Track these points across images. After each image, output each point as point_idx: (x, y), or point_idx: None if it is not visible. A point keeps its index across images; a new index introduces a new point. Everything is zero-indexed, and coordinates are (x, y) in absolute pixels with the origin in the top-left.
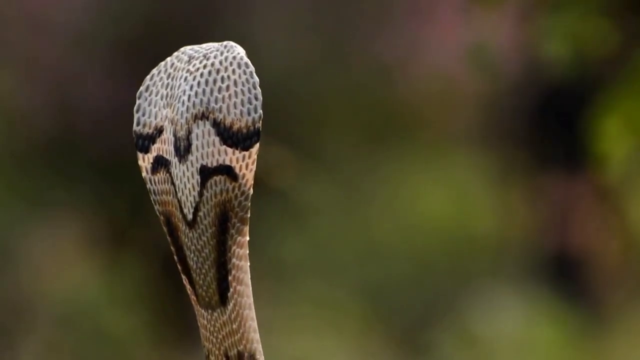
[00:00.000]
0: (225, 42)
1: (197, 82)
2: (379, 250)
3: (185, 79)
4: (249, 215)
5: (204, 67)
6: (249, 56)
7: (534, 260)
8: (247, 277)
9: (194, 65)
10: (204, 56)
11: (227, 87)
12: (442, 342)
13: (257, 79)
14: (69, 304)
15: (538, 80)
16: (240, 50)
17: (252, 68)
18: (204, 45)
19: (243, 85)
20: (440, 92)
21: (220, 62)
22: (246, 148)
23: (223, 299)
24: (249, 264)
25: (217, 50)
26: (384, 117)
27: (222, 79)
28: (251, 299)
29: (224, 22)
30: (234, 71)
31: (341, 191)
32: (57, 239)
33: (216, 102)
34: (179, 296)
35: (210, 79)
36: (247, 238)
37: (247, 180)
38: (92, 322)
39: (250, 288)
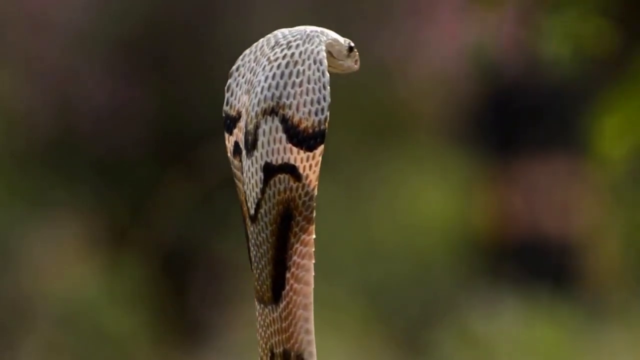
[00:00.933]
0: (312, 29)
1: (273, 73)
2: (379, 250)
3: (264, 67)
4: (314, 215)
5: (283, 57)
6: None
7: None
8: (309, 277)
9: (275, 54)
10: (287, 44)
11: (301, 83)
12: (442, 342)
13: (327, 77)
14: (69, 304)
15: (538, 80)
16: (322, 42)
17: (325, 65)
18: (297, 29)
19: (315, 83)
20: (440, 92)
21: (300, 54)
22: (311, 148)
23: (276, 296)
24: (312, 262)
25: (300, 39)
26: (384, 117)
27: (297, 73)
28: (309, 300)
29: (224, 22)
30: (309, 66)
31: (341, 191)
32: (57, 239)
33: (287, 97)
34: (179, 296)
35: (287, 72)
36: (313, 236)
37: (310, 181)
38: (92, 322)
39: (311, 288)
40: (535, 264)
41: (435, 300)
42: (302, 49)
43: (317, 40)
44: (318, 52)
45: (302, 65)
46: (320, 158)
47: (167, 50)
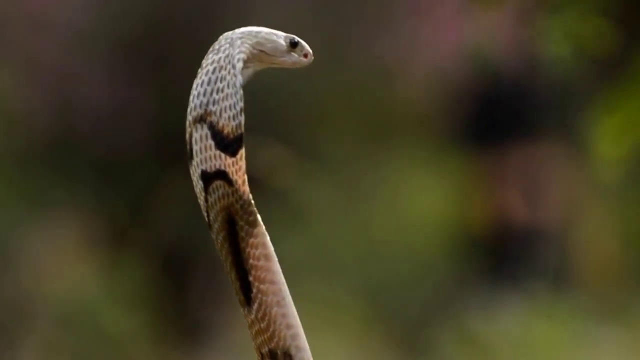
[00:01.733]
0: (241, 31)
1: (202, 80)
2: (379, 250)
3: (199, 74)
4: (257, 218)
5: (212, 63)
6: None
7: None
8: (273, 275)
9: (206, 60)
10: (217, 49)
11: (223, 88)
12: (442, 342)
13: (240, 80)
14: (69, 304)
15: (538, 79)
16: (243, 43)
17: (238, 68)
18: (236, 31)
19: (232, 87)
20: (440, 92)
21: (223, 59)
22: (234, 153)
23: (247, 299)
24: (273, 262)
25: (227, 43)
26: (383, 117)
27: (221, 78)
28: (281, 296)
29: (224, 22)
30: (229, 71)
31: (341, 191)
32: (57, 239)
33: (213, 104)
34: (179, 296)
35: (213, 78)
36: (263, 239)
37: (239, 186)
38: (92, 322)
39: (279, 285)
40: (535, 264)
41: (435, 300)
42: (226, 53)
43: (239, 42)
44: (233, 56)
45: (224, 70)
46: (243, 163)
47: (167, 50)
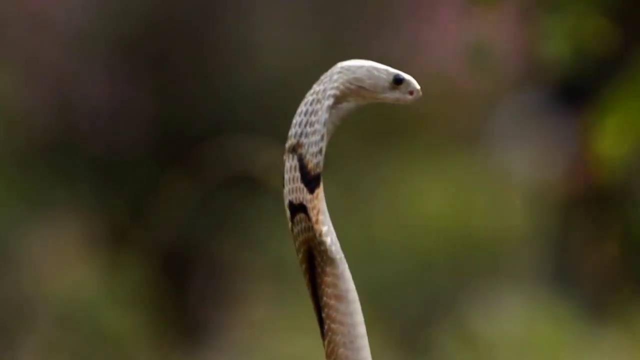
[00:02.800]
0: (345, 65)
1: (301, 111)
2: (379, 250)
3: (303, 101)
4: (331, 257)
5: (312, 93)
6: (248, 55)
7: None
8: (343, 317)
9: (310, 91)
10: (322, 80)
11: (313, 123)
12: (442, 342)
13: (324, 118)
14: (69, 304)
15: (538, 79)
16: (338, 79)
17: (325, 106)
18: (339, 64)
19: (320, 123)
20: (440, 92)
21: (321, 92)
22: (312, 191)
23: (322, 333)
24: (345, 303)
25: (326, 76)
26: (384, 117)
27: (314, 112)
28: (349, 339)
29: (224, 22)
30: (322, 106)
31: (341, 191)
32: (57, 239)
33: (305, 136)
34: (179, 296)
35: (310, 110)
36: (335, 280)
37: (314, 223)
38: (92, 322)
39: (349, 327)
40: (536, 264)
41: (435, 300)
42: (324, 87)
43: (335, 77)
44: (325, 91)
45: (319, 104)
46: (318, 202)
47: (167, 50)
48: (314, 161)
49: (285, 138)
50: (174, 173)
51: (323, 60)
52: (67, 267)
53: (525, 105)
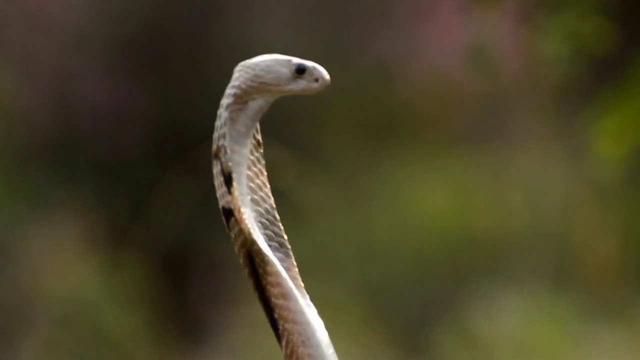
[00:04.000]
0: (242, 65)
1: (218, 113)
2: (379, 250)
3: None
4: (266, 257)
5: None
6: (248, 55)
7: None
8: (295, 315)
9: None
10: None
11: (221, 125)
12: (442, 342)
13: (225, 115)
14: (69, 304)
15: (537, 79)
16: (237, 78)
17: (225, 103)
18: (240, 64)
19: (223, 125)
20: (440, 91)
21: (226, 94)
22: (229, 190)
23: (277, 335)
24: (292, 301)
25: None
26: (383, 117)
27: (220, 114)
28: (305, 336)
29: (224, 21)
30: (222, 107)
31: (341, 191)
32: (57, 238)
33: (220, 139)
34: (179, 296)
35: (219, 113)
36: (278, 278)
37: (240, 221)
38: (92, 322)
39: (303, 325)
40: (535, 264)
41: (435, 299)
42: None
43: (236, 76)
44: (225, 92)
45: (222, 107)
46: (236, 200)
47: (167, 50)
48: (224, 161)
49: (285, 138)
50: (174, 173)
51: (323, 60)
52: (67, 267)
53: (525, 105)
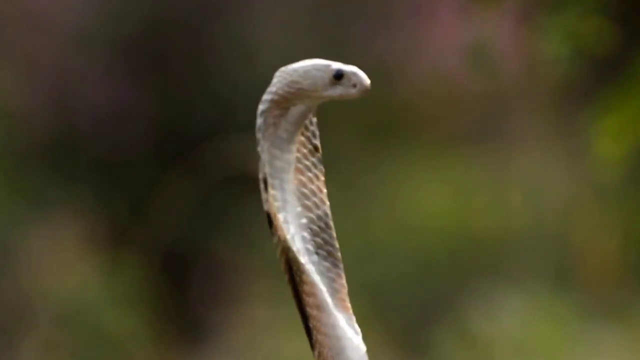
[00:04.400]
0: (281, 69)
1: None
2: (379, 249)
3: None
4: (301, 266)
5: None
6: (248, 55)
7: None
8: (327, 328)
9: None
10: None
11: (257, 130)
12: (442, 342)
13: (260, 122)
14: (69, 304)
15: (537, 79)
16: (274, 84)
17: (260, 109)
18: (280, 69)
19: (258, 131)
20: (440, 91)
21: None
22: (265, 195)
23: (311, 344)
24: (326, 313)
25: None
26: (383, 117)
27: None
28: (335, 351)
29: (224, 21)
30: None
31: (341, 191)
32: (57, 238)
33: (257, 144)
34: (179, 296)
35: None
36: (313, 288)
37: (276, 227)
38: (92, 322)
39: (334, 340)
40: (535, 264)
41: (435, 299)
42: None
43: (274, 82)
44: (262, 99)
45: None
46: (270, 207)
47: (167, 49)
48: (260, 166)
49: None
50: (174, 173)
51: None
52: (67, 267)
53: (525, 105)
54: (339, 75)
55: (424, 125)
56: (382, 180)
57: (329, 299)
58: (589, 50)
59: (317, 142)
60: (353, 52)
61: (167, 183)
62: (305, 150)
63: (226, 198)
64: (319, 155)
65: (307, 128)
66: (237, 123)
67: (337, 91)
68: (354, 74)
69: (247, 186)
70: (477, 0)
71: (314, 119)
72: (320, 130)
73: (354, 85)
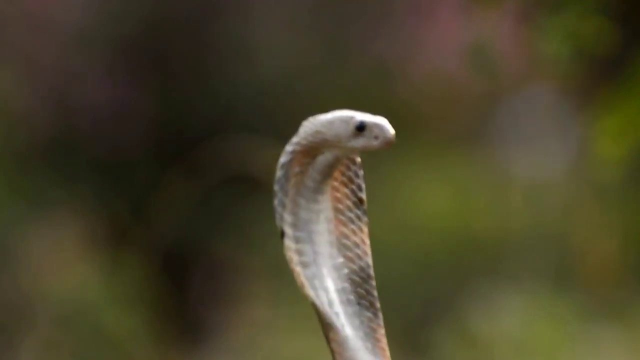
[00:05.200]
0: (308, 120)
1: None
2: (379, 249)
3: None
4: (329, 321)
5: None
6: (248, 55)
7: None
8: None
9: None
10: None
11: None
12: (442, 342)
13: (280, 173)
14: (69, 304)
15: (537, 79)
16: (299, 134)
17: (281, 161)
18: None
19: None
20: (440, 91)
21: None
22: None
23: None
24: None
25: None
26: (383, 117)
27: None
28: None
29: (224, 21)
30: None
31: None
32: (57, 239)
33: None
34: (179, 296)
35: None
36: (343, 349)
37: (297, 280)
38: (92, 322)
39: None
40: (535, 264)
41: (435, 299)
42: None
43: (300, 131)
44: (285, 149)
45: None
46: (289, 254)
47: (167, 49)
48: (277, 217)
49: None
50: (174, 173)
51: (323, 60)
52: (67, 267)
53: (525, 105)
54: (361, 127)
55: (423, 125)
56: (382, 180)
57: (359, 347)
58: (589, 50)
59: (363, 195)
60: (353, 52)
61: (167, 183)
62: (349, 203)
63: (226, 198)
64: (364, 207)
65: (352, 180)
66: (237, 123)
67: (360, 142)
68: (376, 125)
69: (247, 186)
70: (477, 0)
71: (361, 172)
72: None
73: (376, 137)
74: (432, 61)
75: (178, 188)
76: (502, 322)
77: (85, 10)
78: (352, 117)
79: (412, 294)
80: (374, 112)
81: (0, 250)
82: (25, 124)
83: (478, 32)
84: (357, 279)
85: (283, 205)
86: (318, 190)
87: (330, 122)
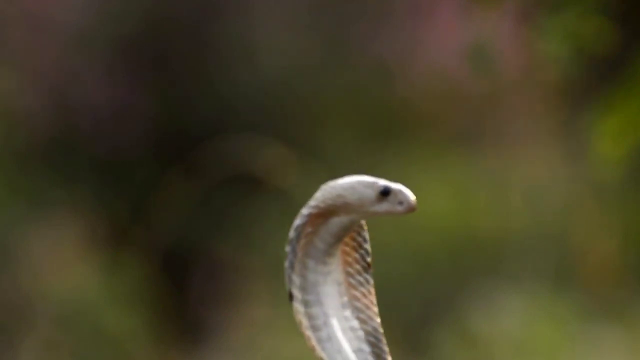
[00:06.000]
0: (323, 187)
1: None
2: (379, 250)
3: None
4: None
5: None
6: (248, 55)
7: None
8: None
9: None
10: None
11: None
12: (442, 342)
13: (292, 234)
14: (69, 304)
15: (537, 79)
16: (314, 198)
17: (295, 224)
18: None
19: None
20: (440, 91)
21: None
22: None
23: None
24: None
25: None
26: (384, 117)
27: None
28: None
29: (224, 21)
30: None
31: None
32: (57, 238)
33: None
34: (179, 296)
35: None
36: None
37: (308, 343)
38: (92, 322)
39: None
40: (535, 264)
41: (436, 299)
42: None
43: (317, 195)
44: (301, 212)
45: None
46: (296, 313)
47: (167, 50)
48: (286, 278)
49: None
50: (174, 173)
51: (323, 60)
52: (67, 267)
53: (525, 105)
54: (385, 192)
55: (423, 125)
56: None
57: None
58: (589, 50)
59: (370, 259)
60: (353, 52)
61: (167, 183)
62: (359, 267)
63: (226, 198)
64: (371, 271)
65: (361, 246)
66: (237, 123)
67: (384, 207)
68: (401, 192)
69: (247, 186)
70: (477, 0)
71: (367, 235)
72: (320, 130)
73: (400, 203)
74: (432, 61)
75: (178, 188)
76: (502, 322)
77: (85, 10)
78: (375, 182)
79: (412, 294)
80: (374, 112)
81: (0, 250)
82: (25, 124)
83: (478, 32)
84: (372, 339)
85: (292, 267)
86: (328, 252)
87: (352, 187)
